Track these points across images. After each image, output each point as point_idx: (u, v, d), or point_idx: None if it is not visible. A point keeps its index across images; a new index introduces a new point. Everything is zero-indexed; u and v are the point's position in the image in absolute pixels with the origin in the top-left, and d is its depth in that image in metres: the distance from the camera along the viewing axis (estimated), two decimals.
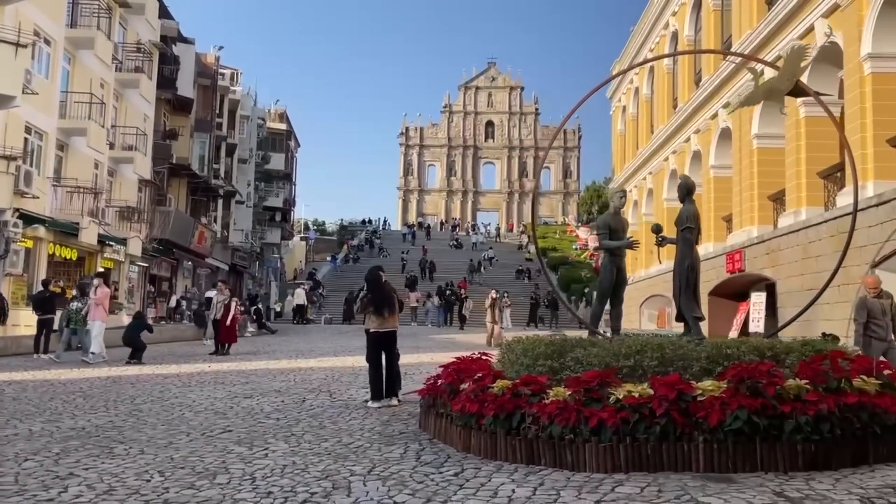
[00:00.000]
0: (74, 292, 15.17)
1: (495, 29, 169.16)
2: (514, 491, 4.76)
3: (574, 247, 52.90)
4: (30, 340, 17.18)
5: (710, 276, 16.27)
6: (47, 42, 22.11)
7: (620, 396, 5.27)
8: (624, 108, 30.56)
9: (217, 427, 7.35)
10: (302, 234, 74.62)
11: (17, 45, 18.92)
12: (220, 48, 40.17)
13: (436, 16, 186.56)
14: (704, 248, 13.13)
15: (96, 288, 15.73)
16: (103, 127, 24.77)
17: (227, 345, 17.83)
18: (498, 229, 68.47)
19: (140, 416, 8.08)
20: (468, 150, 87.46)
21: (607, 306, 7.70)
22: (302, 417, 7.94)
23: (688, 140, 21.67)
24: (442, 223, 79.39)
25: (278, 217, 60.10)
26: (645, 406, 5.18)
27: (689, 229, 6.92)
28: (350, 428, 7.26)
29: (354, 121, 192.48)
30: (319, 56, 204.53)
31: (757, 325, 14.61)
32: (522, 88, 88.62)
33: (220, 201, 41.11)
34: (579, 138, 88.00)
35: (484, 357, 7.32)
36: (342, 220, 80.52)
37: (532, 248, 55.43)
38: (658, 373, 5.72)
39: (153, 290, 31.65)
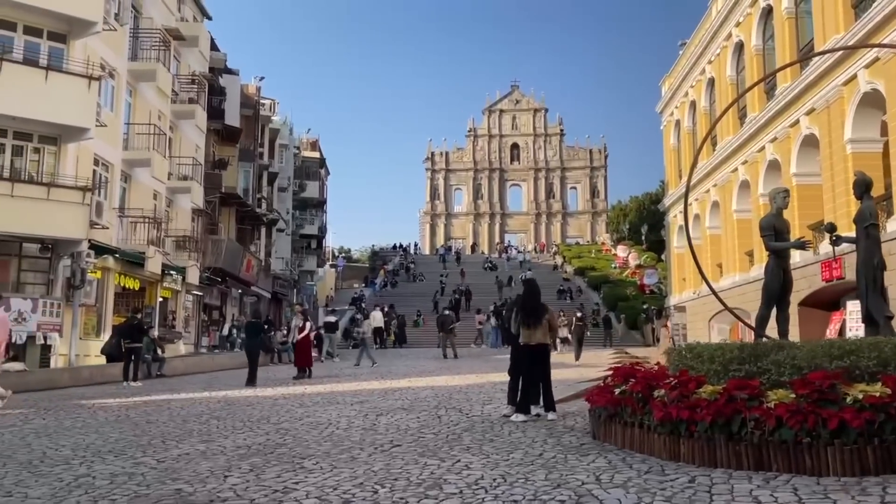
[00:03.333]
0: None
1: (517, 52, 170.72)
2: (774, 497, 4.59)
3: (612, 265, 52.54)
4: (113, 369, 17.26)
5: (801, 286, 16.02)
6: (111, 75, 22.49)
7: (859, 397, 5.10)
8: (678, 122, 30.47)
9: (382, 442, 7.24)
10: (331, 262, 74.99)
11: (90, 77, 19.29)
12: (262, 79, 40.84)
13: (458, 43, 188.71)
14: (793, 258, 12.88)
15: None
16: (165, 158, 25.08)
17: (308, 368, 17.69)
18: (522, 249, 68.14)
19: (291, 433, 7.99)
20: (494, 173, 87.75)
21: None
22: (457, 432, 7.80)
23: (762, 150, 21.51)
24: (473, 246, 79.42)
25: (313, 244, 60.45)
26: (890, 405, 5.00)
27: (873, 226, 6.77)
28: (521, 441, 7.11)
29: (377, 147, 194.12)
30: (341, 85, 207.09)
31: (855, 332, 14.29)
32: (546, 110, 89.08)
33: (264, 229, 41.39)
34: (605, 157, 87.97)
35: (647, 364, 7.17)
36: (373, 245, 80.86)
37: (569, 268, 55.26)
38: (876, 372, 5.54)
39: (206, 318, 31.77)
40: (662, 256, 44.60)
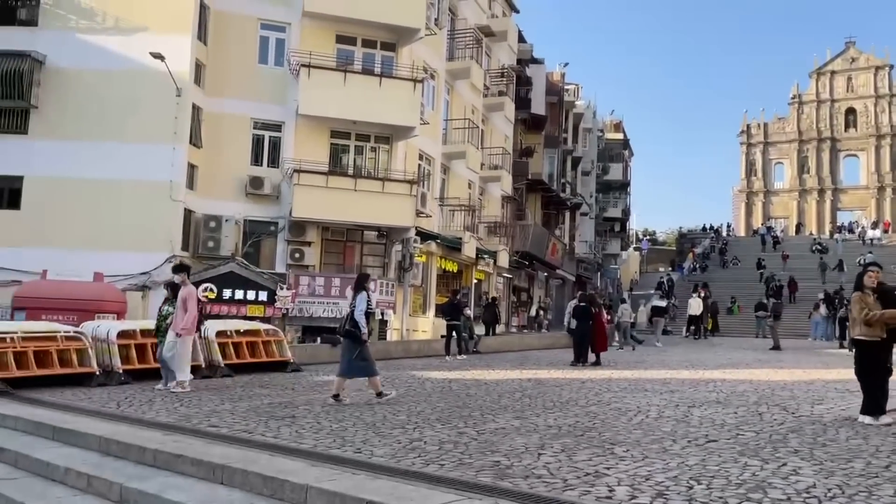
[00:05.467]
0: (166, 292, 11.11)
1: (852, 5, 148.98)
2: None
3: None
4: (436, 344, 19.09)
5: None
6: (432, 76, 24.66)
7: None
8: None
9: (696, 435, 6.93)
10: (634, 245, 73.46)
11: (415, 80, 21.39)
12: (566, 65, 41.39)
13: (778, 1, 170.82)
14: None
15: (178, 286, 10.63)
16: (477, 149, 26.85)
17: (598, 354, 17.30)
18: (862, 229, 59.05)
19: (599, 418, 8.04)
20: (824, 143, 77.73)
21: None
22: (781, 432, 7.14)
23: None
24: (798, 226, 71.60)
25: (617, 227, 59.91)
26: None
27: None
28: (861, 448, 6.26)
29: (685, 124, 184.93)
30: (646, 61, 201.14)
31: None
32: (892, 66, 76.12)
33: (568, 213, 42.11)
34: None
35: None
36: (680, 227, 77.42)
37: None
38: None
39: (516, 300, 33.40)
40: None
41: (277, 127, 21.27)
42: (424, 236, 22.90)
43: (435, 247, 23.92)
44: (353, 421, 7.72)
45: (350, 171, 21.58)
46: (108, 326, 11.57)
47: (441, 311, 20.09)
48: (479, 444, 6.43)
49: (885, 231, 58.46)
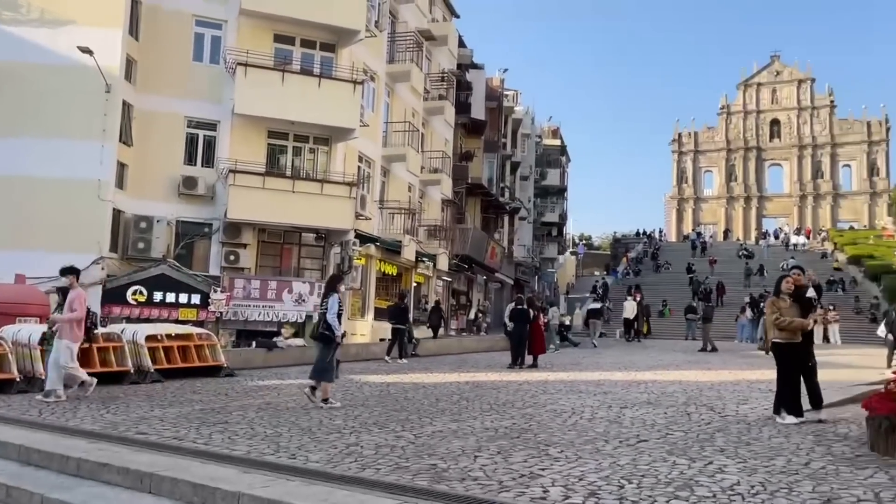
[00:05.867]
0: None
1: (777, 21, 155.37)
2: None
3: None
4: (375, 347, 19.00)
5: None
6: (372, 78, 24.55)
7: None
8: None
9: (627, 435, 7.10)
10: (571, 249, 74.79)
11: (354, 82, 21.25)
12: (505, 71, 41.87)
13: (708, 14, 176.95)
14: None
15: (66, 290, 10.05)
16: (418, 152, 26.86)
17: (535, 356, 17.54)
18: (785, 235, 61.79)
19: (535, 419, 8.15)
20: (750, 153, 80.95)
21: None
22: (708, 431, 7.39)
23: None
24: (726, 232, 74.25)
25: (554, 232, 60.86)
26: None
27: None
28: (783, 446, 6.53)
29: (619, 132, 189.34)
30: (581, 70, 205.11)
31: None
32: (813, 80, 79.94)
33: (507, 218, 42.53)
34: (887, 130, 76.73)
35: None
36: (615, 232, 79.18)
37: (840, 257, 49.27)
38: None
39: (455, 303, 33.52)
40: None
41: (212, 126, 20.80)
42: (364, 239, 22.76)
43: (374, 250, 23.79)
44: (289, 426, 7.61)
45: (288, 172, 21.27)
46: (29, 330, 11.07)
47: (387, 314, 20.01)
48: (417, 448, 6.42)
49: (807, 237, 61.29)
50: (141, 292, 18.29)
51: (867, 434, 6.53)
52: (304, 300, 20.10)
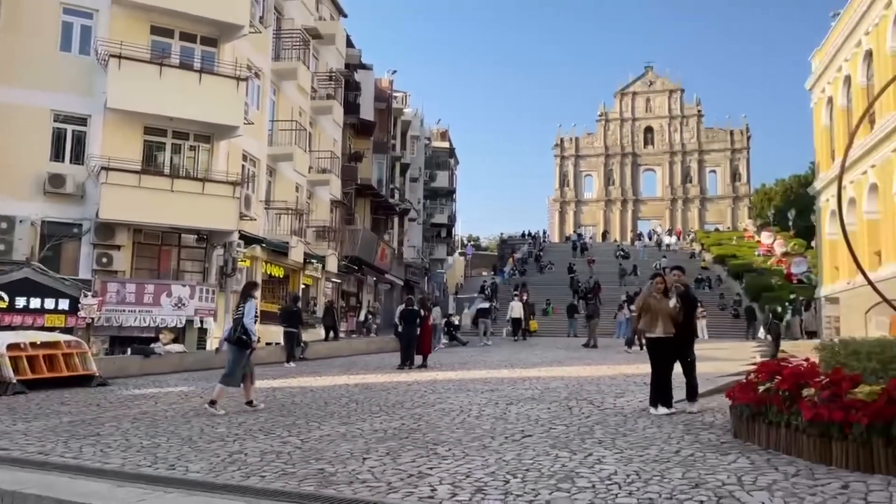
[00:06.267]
0: None
1: (651, 33, 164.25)
2: None
3: (756, 253, 49.59)
4: (261, 352, 18.43)
5: None
6: (257, 75, 23.88)
7: None
8: (830, 99, 28.20)
9: (513, 431, 7.29)
10: (460, 250, 75.90)
11: (238, 78, 20.61)
12: (394, 72, 41.83)
13: (588, 25, 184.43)
14: None
15: None
16: (305, 152, 26.38)
17: (424, 356, 17.66)
18: (658, 237, 65.64)
19: (424, 419, 8.21)
20: (626, 158, 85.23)
21: None
22: (588, 424, 7.71)
23: None
24: (605, 234, 77.72)
25: (443, 233, 61.56)
26: None
27: None
28: (656, 436, 6.92)
29: (506, 136, 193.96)
30: (469, 74, 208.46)
31: None
32: (683, 91, 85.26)
33: (397, 219, 42.58)
34: (748, 138, 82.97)
35: (794, 359, 6.74)
36: (501, 234, 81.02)
37: (707, 257, 52.74)
38: None
39: (345, 305, 33.17)
40: (812, 243, 41.49)
41: (83, 121, 19.53)
42: (249, 240, 22.10)
43: (260, 251, 23.15)
44: (167, 436, 7.27)
45: (167, 171, 20.30)
46: None
47: (279, 317, 19.48)
48: (304, 453, 6.32)
49: (678, 238, 65.23)
50: (2, 298, 16.93)
51: (731, 422, 7.04)
52: (184, 304, 19.26)
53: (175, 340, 18.31)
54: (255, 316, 9.54)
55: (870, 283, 7.67)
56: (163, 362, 16.10)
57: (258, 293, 11.56)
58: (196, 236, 20.88)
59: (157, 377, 14.60)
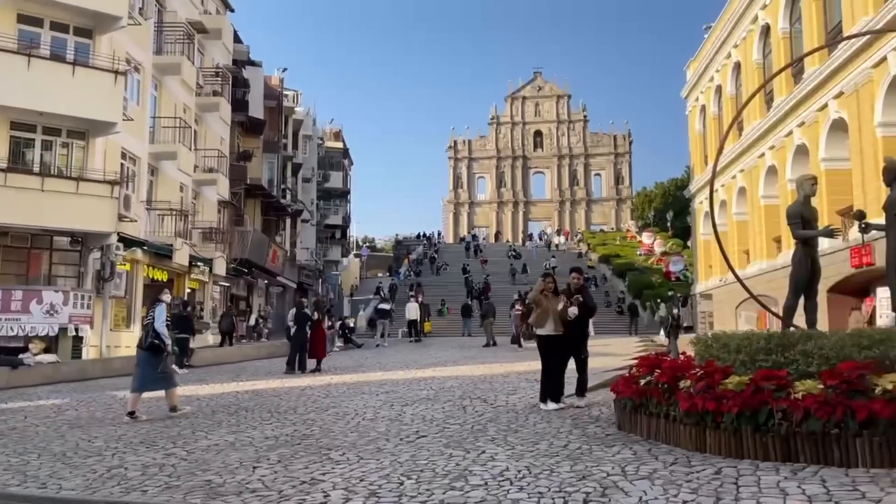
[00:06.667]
0: None
1: (540, 39, 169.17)
2: (802, 489, 4.55)
3: (638, 252, 52.14)
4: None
5: (830, 273, 15.77)
6: (137, 69, 22.69)
7: (889, 387, 5.03)
8: (703, 108, 30.05)
9: (408, 432, 7.30)
10: (355, 252, 75.30)
11: (116, 72, 19.52)
12: (285, 70, 40.96)
13: (480, 30, 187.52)
14: (822, 245, 12.59)
15: None
16: (190, 150, 25.33)
17: (318, 360, 17.36)
18: (548, 237, 67.86)
19: (317, 424, 8.08)
20: (517, 161, 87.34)
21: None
22: (482, 422, 7.83)
23: (789, 134, 21.15)
24: (497, 235, 79.29)
25: (338, 234, 60.82)
26: None
27: None
28: (546, 431, 7.12)
29: (401, 137, 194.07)
30: (363, 75, 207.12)
31: (885, 320, 14.10)
32: (570, 96, 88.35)
33: (289, 220, 41.67)
34: (630, 143, 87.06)
35: (666, 355, 7.12)
36: (396, 235, 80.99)
37: (593, 256, 54.92)
38: None
39: (233, 307, 32.09)
40: (688, 243, 44.17)
41: None
42: (129, 242, 20.92)
43: (141, 254, 22.00)
44: (38, 452, 6.78)
45: (36, 169, 18.92)
46: None
47: (169, 323, 18.50)
48: (189, 465, 6.06)
49: (566, 238, 67.57)
50: None
51: (615, 415, 7.35)
52: (57, 311, 18.01)
53: (47, 350, 17.11)
54: (168, 320, 9.66)
55: (739, 280, 8.21)
56: (33, 374, 15.01)
57: (167, 297, 11.14)
58: (70, 239, 19.59)
59: (25, 390, 13.60)
